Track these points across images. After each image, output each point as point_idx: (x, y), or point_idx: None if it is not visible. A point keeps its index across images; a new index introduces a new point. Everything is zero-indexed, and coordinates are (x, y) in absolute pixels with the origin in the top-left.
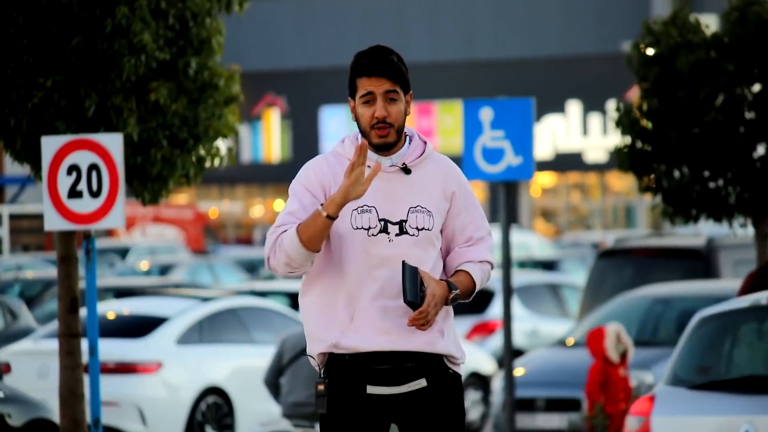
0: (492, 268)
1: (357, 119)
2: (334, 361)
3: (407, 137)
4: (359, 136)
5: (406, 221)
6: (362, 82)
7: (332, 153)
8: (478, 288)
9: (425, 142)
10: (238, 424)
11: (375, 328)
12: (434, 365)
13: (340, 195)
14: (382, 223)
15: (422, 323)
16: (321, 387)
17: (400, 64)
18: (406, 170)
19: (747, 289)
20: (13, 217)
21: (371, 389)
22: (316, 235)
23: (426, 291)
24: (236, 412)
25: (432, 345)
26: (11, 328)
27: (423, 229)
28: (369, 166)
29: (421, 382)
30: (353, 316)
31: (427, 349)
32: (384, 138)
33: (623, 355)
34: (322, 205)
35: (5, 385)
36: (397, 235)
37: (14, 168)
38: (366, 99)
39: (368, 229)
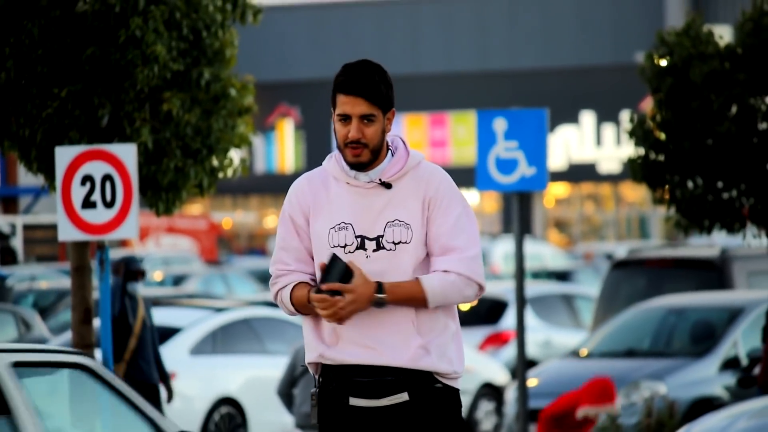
0: (465, 280)
1: (335, 133)
2: (324, 371)
3: (389, 150)
4: None
5: (382, 236)
6: (340, 99)
7: (320, 170)
8: (432, 298)
9: (409, 154)
10: None
11: (357, 342)
12: (418, 380)
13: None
14: (359, 239)
15: (328, 313)
16: (313, 397)
17: (381, 85)
18: (386, 185)
19: None
20: (27, 228)
21: (353, 401)
22: (310, 311)
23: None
24: (249, 423)
25: (414, 362)
26: (25, 338)
27: (400, 242)
28: (348, 183)
29: (403, 396)
30: (338, 330)
31: (409, 365)
32: (357, 158)
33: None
34: (310, 294)
35: None
36: (374, 251)
37: (28, 178)
38: (342, 118)
39: (345, 246)
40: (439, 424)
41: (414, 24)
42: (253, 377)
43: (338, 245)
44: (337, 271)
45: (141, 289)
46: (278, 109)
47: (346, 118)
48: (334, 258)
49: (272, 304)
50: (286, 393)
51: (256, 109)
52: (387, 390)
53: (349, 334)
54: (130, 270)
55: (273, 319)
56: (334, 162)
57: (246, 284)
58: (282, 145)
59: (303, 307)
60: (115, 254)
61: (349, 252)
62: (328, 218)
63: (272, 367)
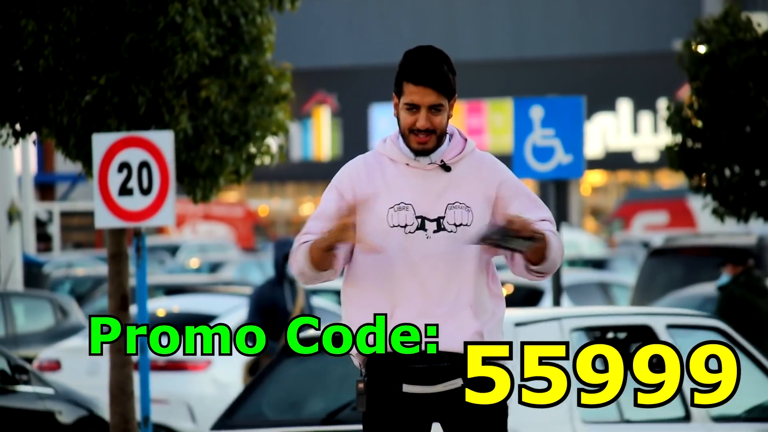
0: (562, 243)
1: (398, 118)
2: (372, 359)
3: (447, 134)
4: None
5: (443, 218)
6: (409, 88)
7: (374, 153)
8: (551, 251)
9: (465, 139)
10: None
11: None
12: None
13: (325, 241)
14: (419, 220)
15: (527, 231)
16: (360, 385)
17: (449, 74)
18: (446, 167)
19: None
20: (63, 215)
21: (407, 388)
22: (322, 261)
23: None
24: None
25: None
26: (62, 325)
27: (461, 225)
28: (407, 165)
29: (457, 382)
30: (392, 314)
31: (463, 350)
32: (423, 145)
33: None
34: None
35: (56, 383)
36: (435, 231)
37: (65, 165)
38: (409, 107)
39: (405, 226)
40: (489, 410)
41: (450, 11)
42: None
43: (398, 225)
44: (494, 233)
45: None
46: (315, 96)
47: (413, 107)
48: (486, 235)
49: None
50: None
51: (293, 96)
52: (442, 376)
53: (403, 318)
54: (287, 254)
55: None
56: (390, 144)
57: None
58: (318, 133)
59: (312, 253)
60: (152, 241)
61: (410, 232)
62: (387, 198)
63: None
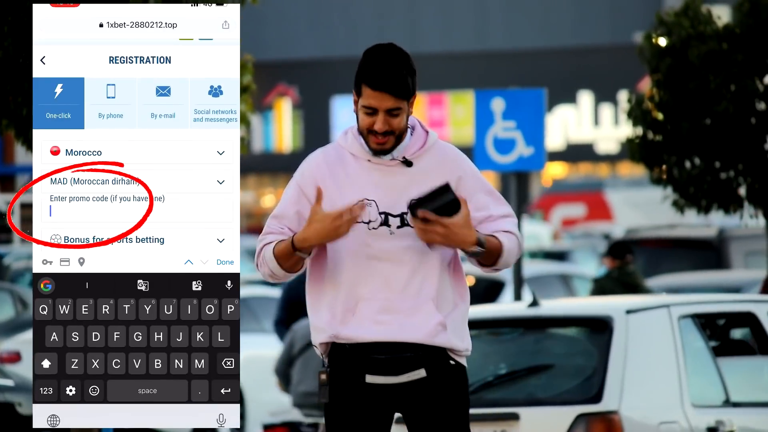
0: (520, 243)
1: (357, 115)
2: (335, 350)
3: (409, 128)
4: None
5: (407, 213)
6: (366, 92)
7: (335, 146)
8: (505, 255)
9: (427, 132)
10: (248, 413)
11: (376, 319)
12: (434, 356)
13: (315, 237)
14: (383, 216)
15: (424, 229)
16: (323, 376)
17: (408, 77)
18: (407, 163)
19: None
20: (23, 206)
21: (369, 378)
22: (294, 264)
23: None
24: (246, 402)
25: (432, 338)
26: (22, 316)
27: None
28: (369, 161)
29: (420, 373)
30: (355, 308)
31: (426, 341)
32: (382, 146)
33: None
34: (294, 236)
35: (16, 374)
36: (398, 227)
37: (26, 157)
38: (367, 109)
39: (368, 222)
40: (453, 401)
41: (412, 3)
42: (251, 356)
43: (361, 221)
44: (440, 200)
45: None
46: (276, 88)
47: (371, 110)
48: (446, 188)
49: (269, 283)
50: (284, 372)
51: (255, 88)
52: (405, 366)
53: (366, 311)
54: None
55: (271, 299)
56: (351, 139)
57: (243, 263)
58: (280, 125)
59: (283, 258)
60: None
61: (373, 228)
62: (350, 194)
63: (270, 347)
